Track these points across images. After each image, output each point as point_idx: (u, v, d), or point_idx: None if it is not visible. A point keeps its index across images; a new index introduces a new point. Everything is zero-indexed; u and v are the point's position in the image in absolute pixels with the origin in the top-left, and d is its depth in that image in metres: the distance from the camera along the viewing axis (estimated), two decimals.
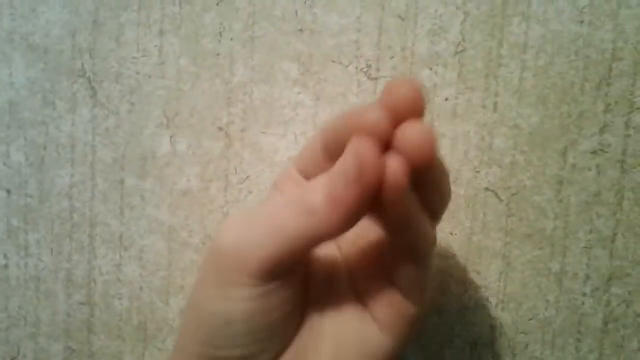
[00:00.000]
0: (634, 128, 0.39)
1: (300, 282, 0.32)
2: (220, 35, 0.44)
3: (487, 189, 0.41)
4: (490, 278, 0.42)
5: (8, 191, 0.49)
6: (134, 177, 0.47)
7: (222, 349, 0.30)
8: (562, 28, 0.40)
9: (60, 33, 0.47)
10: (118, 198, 0.47)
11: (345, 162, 0.26)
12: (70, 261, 0.48)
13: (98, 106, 0.47)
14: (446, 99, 0.41)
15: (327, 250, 0.35)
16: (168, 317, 0.47)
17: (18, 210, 0.49)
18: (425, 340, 0.43)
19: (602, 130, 0.40)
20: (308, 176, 0.33)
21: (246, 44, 0.44)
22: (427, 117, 0.42)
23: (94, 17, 0.46)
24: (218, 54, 0.45)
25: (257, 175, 0.45)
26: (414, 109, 0.27)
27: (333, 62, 0.43)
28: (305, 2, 0.43)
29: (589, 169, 0.40)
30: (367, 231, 0.33)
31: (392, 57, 0.42)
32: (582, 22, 0.40)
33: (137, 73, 0.46)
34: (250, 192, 0.45)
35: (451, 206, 0.38)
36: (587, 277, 0.41)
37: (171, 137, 0.46)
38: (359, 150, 0.26)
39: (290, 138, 0.44)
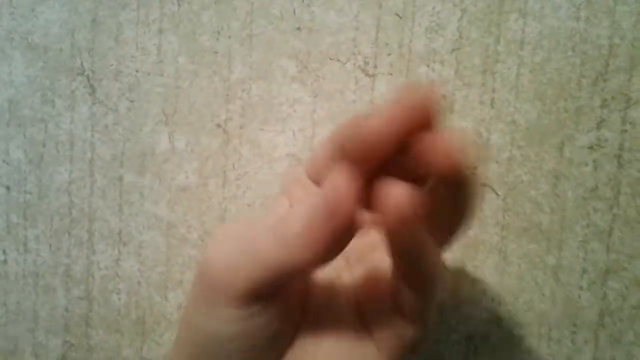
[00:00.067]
0: (630, 123, 0.37)
1: (295, 299, 0.30)
2: (219, 34, 0.42)
3: (484, 184, 0.39)
4: (487, 272, 0.40)
5: (7, 188, 0.46)
6: (133, 173, 0.44)
7: None
8: (559, 24, 0.37)
9: (59, 32, 0.45)
10: (117, 194, 0.45)
11: (320, 198, 0.24)
12: (69, 257, 0.46)
13: (97, 104, 0.44)
14: (443, 96, 0.39)
15: (335, 266, 0.32)
16: (166, 312, 0.45)
17: (17, 206, 0.46)
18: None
19: (598, 126, 0.37)
20: (318, 181, 0.31)
21: (244, 42, 0.42)
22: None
23: (93, 15, 0.44)
24: (216, 52, 0.42)
25: (255, 172, 0.42)
26: (425, 118, 0.24)
27: (331, 59, 0.40)
28: (303, 1, 0.41)
29: (586, 164, 0.38)
30: (375, 248, 0.31)
31: (390, 55, 0.40)
32: (578, 18, 0.37)
33: (136, 71, 0.44)
34: (248, 188, 0.42)
35: None
36: (584, 270, 0.38)
37: (170, 134, 0.43)
38: (334, 187, 0.24)
39: (288, 134, 0.41)
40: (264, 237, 0.26)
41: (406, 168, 0.26)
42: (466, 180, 0.26)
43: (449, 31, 0.39)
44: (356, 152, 0.25)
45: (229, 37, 0.42)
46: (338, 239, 0.25)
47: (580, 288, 0.39)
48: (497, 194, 0.39)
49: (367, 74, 0.40)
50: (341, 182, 0.24)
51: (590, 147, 0.38)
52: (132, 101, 0.44)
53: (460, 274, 0.40)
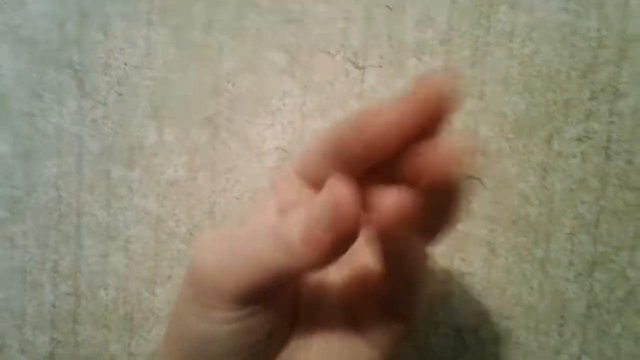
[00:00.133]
0: (618, 115, 0.37)
1: (287, 300, 0.30)
2: (208, 26, 0.42)
3: (472, 176, 0.39)
4: (475, 265, 0.40)
5: None
6: (121, 167, 0.44)
7: None
8: (548, 16, 0.38)
9: (47, 25, 0.44)
10: (105, 188, 0.44)
11: (322, 206, 0.24)
12: (57, 252, 0.45)
13: (85, 97, 0.44)
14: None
15: (326, 269, 0.32)
16: (154, 307, 0.44)
17: (4, 201, 0.46)
18: None
19: (587, 118, 0.38)
20: (309, 180, 0.30)
21: (234, 34, 0.41)
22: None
23: (81, 8, 0.44)
24: (206, 45, 0.42)
25: (244, 165, 0.42)
26: (440, 111, 0.24)
27: (321, 51, 0.40)
28: None
29: (574, 156, 0.38)
30: (364, 252, 0.31)
31: (379, 47, 0.40)
32: (567, 10, 0.37)
33: (125, 64, 0.43)
34: (237, 182, 0.42)
35: None
36: (571, 263, 0.38)
37: (158, 127, 0.43)
38: (336, 196, 0.24)
39: (277, 128, 0.41)
40: (262, 243, 0.26)
41: (398, 169, 0.26)
42: (457, 187, 0.26)
43: (438, 23, 0.39)
44: (363, 147, 0.25)
45: (219, 30, 0.42)
46: (342, 244, 0.25)
47: (568, 280, 0.39)
48: (485, 187, 0.39)
49: (357, 67, 0.40)
50: (343, 188, 0.24)
51: (579, 139, 0.38)
52: (120, 94, 0.43)
53: (448, 267, 0.40)
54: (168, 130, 0.43)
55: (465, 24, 0.38)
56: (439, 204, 0.26)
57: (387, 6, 0.39)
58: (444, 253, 0.40)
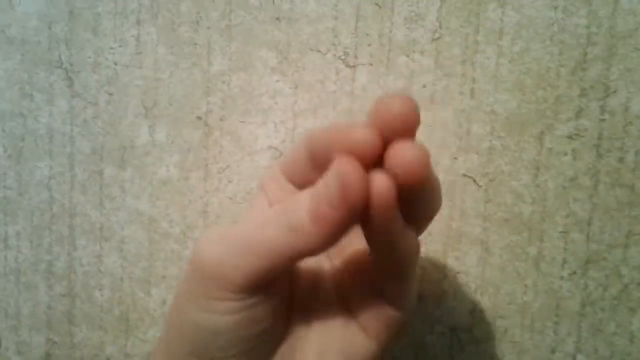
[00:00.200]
0: (609, 112, 0.40)
1: (285, 292, 0.32)
2: (197, 24, 0.45)
3: (464, 175, 0.42)
4: (469, 263, 0.43)
5: None
6: (114, 167, 0.47)
7: (207, 359, 0.30)
8: (537, 14, 0.40)
9: (36, 24, 0.47)
10: (97, 189, 0.47)
11: (330, 182, 0.26)
12: (51, 253, 0.49)
13: (76, 97, 0.47)
14: (424, 86, 0.42)
15: (316, 258, 0.35)
16: (149, 308, 0.47)
17: None
18: None
19: (577, 115, 0.40)
20: (293, 180, 0.33)
21: (223, 33, 0.44)
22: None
23: (71, 7, 0.47)
24: (195, 43, 0.45)
25: (237, 164, 0.45)
26: (406, 127, 0.27)
27: (311, 50, 0.43)
28: None
29: (565, 154, 0.41)
30: (355, 240, 0.33)
31: (370, 45, 0.42)
32: (556, 7, 0.40)
33: (115, 63, 0.46)
34: (230, 181, 0.45)
35: None
36: (565, 261, 0.41)
37: (150, 126, 0.46)
38: (343, 171, 0.25)
39: (269, 126, 0.44)
40: (268, 227, 0.28)
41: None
42: (425, 186, 0.29)
43: (428, 21, 0.42)
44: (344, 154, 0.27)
45: (208, 28, 0.45)
46: (350, 220, 0.26)
47: (562, 278, 0.41)
48: (478, 185, 0.42)
49: (347, 65, 0.43)
50: (350, 164, 0.25)
51: (570, 137, 0.40)
52: (111, 94, 0.46)
53: (442, 266, 0.43)
54: (160, 130, 0.46)
55: (454, 22, 0.41)
56: (415, 198, 0.29)
57: (376, 4, 0.42)
58: (438, 252, 0.43)
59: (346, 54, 0.43)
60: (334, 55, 0.43)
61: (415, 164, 0.26)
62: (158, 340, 0.33)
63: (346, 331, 0.32)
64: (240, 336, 0.29)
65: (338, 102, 0.43)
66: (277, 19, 0.44)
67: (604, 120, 0.40)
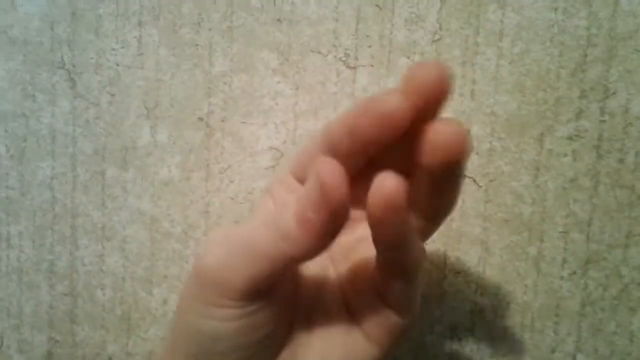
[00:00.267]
0: (609, 113, 0.40)
1: (287, 297, 0.32)
2: (199, 26, 0.44)
3: (465, 175, 0.42)
4: (469, 263, 0.42)
5: None
6: (115, 168, 0.47)
7: None
8: (537, 15, 0.40)
9: (39, 25, 0.47)
10: (99, 189, 0.47)
11: (311, 186, 0.26)
12: (53, 252, 0.48)
13: (78, 98, 0.47)
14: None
15: (320, 264, 0.34)
16: (151, 307, 0.47)
17: (0, 202, 0.49)
18: None
19: (577, 116, 0.40)
20: (303, 179, 0.32)
21: (225, 34, 0.44)
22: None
23: (73, 9, 0.46)
24: (197, 45, 0.45)
25: (238, 165, 0.45)
26: (442, 94, 0.26)
27: (312, 51, 0.43)
28: None
29: (565, 155, 0.40)
30: (359, 246, 0.33)
31: (370, 46, 0.42)
32: (556, 9, 0.40)
33: (117, 64, 0.46)
34: (231, 182, 0.45)
35: None
36: (565, 261, 0.41)
37: (152, 127, 0.46)
38: (322, 173, 0.25)
39: (270, 127, 0.44)
40: (260, 235, 0.28)
41: (392, 161, 0.29)
42: (459, 172, 0.28)
43: (428, 22, 0.41)
44: (371, 129, 0.27)
45: (210, 29, 0.44)
46: (333, 224, 0.26)
47: (562, 278, 0.41)
48: (478, 185, 0.41)
49: (348, 66, 0.43)
50: (328, 166, 0.25)
51: (570, 138, 0.40)
52: (113, 95, 0.46)
53: (443, 266, 0.43)
54: (161, 131, 0.46)
55: (455, 24, 0.41)
56: (434, 191, 0.29)
57: (377, 5, 0.42)
58: (438, 252, 0.43)
59: (347, 55, 0.43)
60: (335, 56, 0.43)
61: (458, 140, 0.26)
62: (164, 343, 0.33)
63: (349, 338, 0.32)
64: (241, 342, 0.29)
65: (339, 103, 0.43)
66: (279, 20, 0.43)
67: (604, 121, 0.40)
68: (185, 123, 0.45)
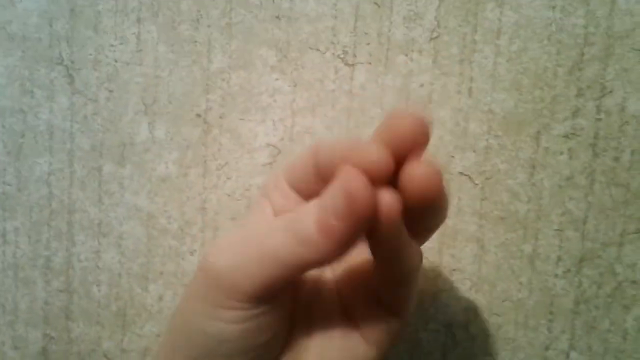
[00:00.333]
0: (605, 112, 0.40)
1: (289, 302, 0.32)
2: (198, 22, 0.44)
3: (461, 173, 0.41)
4: (464, 261, 0.42)
5: None
6: (113, 164, 0.46)
7: None
8: (534, 14, 0.40)
9: (38, 21, 0.47)
10: (96, 185, 0.47)
11: (337, 194, 0.26)
12: (49, 248, 0.48)
13: (76, 94, 0.46)
14: (422, 85, 0.41)
15: (320, 270, 0.35)
16: (147, 303, 0.47)
17: None
18: None
19: (574, 115, 0.40)
20: (297, 188, 0.32)
21: (223, 31, 0.44)
22: (403, 104, 0.42)
23: (72, 5, 0.46)
24: (195, 41, 0.44)
25: (235, 161, 0.44)
26: (417, 145, 0.27)
27: (310, 48, 0.43)
28: None
29: (562, 153, 0.40)
30: (357, 250, 0.33)
31: (369, 44, 0.42)
32: (554, 7, 0.40)
33: (115, 61, 0.46)
34: (228, 178, 0.44)
35: None
36: (559, 259, 0.41)
37: (149, 123, 0.45)
38: (351, 183, 0.25)
39: (268, 124, 0.44)
40: (276, 238, 0.28)
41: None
42: (439, 204, 0.29)
43: (426, 20, 0.41)
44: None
45: (208, 26, 0.44)
46: (357, 231, 0.26)
47: (556, 276, 0.41)
48: (474, 183, 0.41)
49: (346, 63, 0.42)
50: (357, 176, 0.25)
51: (566, 136, 0.40)
52: (111, 91, 0.46)
53: (438, 263, 0.42)
54: (159, 127, 0.45)
55: (453, 22, 0.41)
56: (423, 213, 0.29)
57: (375, 3, 0.42)
58: (433, 249, 0.42)
59: (345, 52, 0.42)
60: (333, 54, 0.43)
61: (428, 184, 0.26)
62: (162, 340, 0.33)
63: (347, 340, 0.32)
64: (245, 345, 0.29)
65: (337, 100, 0.43)
66: (277, 17, 0.43)
67: (600, 119, 0.40)
68: (183, 119, 0.45)
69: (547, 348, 0.42)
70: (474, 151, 0.41)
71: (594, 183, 0.40)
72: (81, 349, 0.48)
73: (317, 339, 0.32)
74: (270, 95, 0.44)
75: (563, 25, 0.40)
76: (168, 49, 0.45)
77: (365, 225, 0.26)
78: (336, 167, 0.27)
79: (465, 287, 0.42)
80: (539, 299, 0.41)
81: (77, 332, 0.48)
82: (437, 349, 0.43)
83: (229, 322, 0.28)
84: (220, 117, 0.44)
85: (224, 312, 0.28)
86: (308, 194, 0.30)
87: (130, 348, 0.47)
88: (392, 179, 0.27)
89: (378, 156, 0.26)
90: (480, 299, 0.42)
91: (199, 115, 0.45)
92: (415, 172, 0.26)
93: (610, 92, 0.39)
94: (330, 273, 0.35)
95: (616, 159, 0.40)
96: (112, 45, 0.46)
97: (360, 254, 0.33)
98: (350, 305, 0.33)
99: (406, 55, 0.42)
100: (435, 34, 0.41)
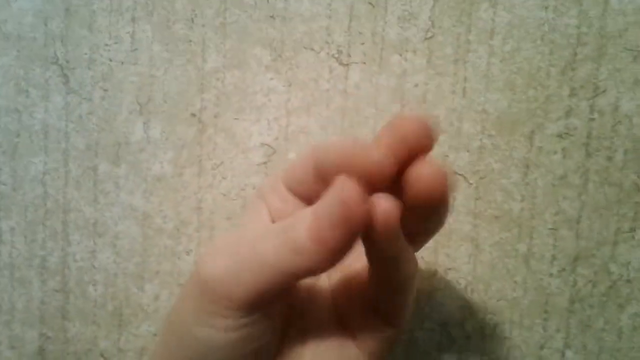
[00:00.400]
0: (598, 112, 0.40)
1: (283, 309, 0.32)
2: (192, 22, 0.45)
3: (455, 172, 0.42)
4: (459, 260, 0.43)
5: None
6: (108, 163, 0.47)
7: None
8: (528, 14, 0.41)
9: (32, 21, 0.47)
10: (92, 185, 0.47)
11: (331, 203, 0.26)
12: (45, 248, 0.49)
13: (71, 93, 0.47)
14: (416, 85, 0.42)
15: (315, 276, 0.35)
16: (143, 303, 0.47)
17: None
18: None
19: (567, 114, 0.41)
20: (295, 191, 0.32)
21: (218, 30, 0.45)
22: (398, 105, 0.42)
23: (67, 4, 0.47)
24: (190, 40, 0.45)
25: (230, 161, 0.45)
26: (422, 148, 0.27)
27: (305, 48, 0.43)
28: None
29: (555, 152, 0.41)
30: (353, 257, 0.33)
31: (363, 43, 0.43)
32: (547, 8, 0.40)
33: (110, 60, 0.46)
34: (224, 178, 0.45)
35: None
36: (554, 258, 0.42)
37: (144, 123, 0.46)
38: (345, 193, 0.25)
39: (263, 123, 0.44)
40: (269, 246, 0.28)
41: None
42: (443, 206, 0.29)
43: (421, 20, 0.42)
44: (357, 176, 0.27)
45: (203, 26, 0.45)
46: (350, 240, 0.26)
47: (551, 275, 0.42)
48: (468, 183, 0.42)
49: (340, 63, 0.43)
50: (351, 185, 0.25)
51: (559, 136, 0.41)
52: (105, 90, 0.46)
53: (433, 263, 0.43)
54: (154, 126, 0.46)
55: (447, 22, 0.42)
56: (425, 215, 0.30)
57: (370, 3, 0.42)
58: (429, 248, 0.43)
59: (339, 52, 0.43)
60: (328, 53, 0.43)
61: (435, 184, 0.27)
62: (158, 340, 0.33)
63: (342, 349, 0.32)
64: (238, 353, 0.29)
65: (331, 100, 0.43)
66: (272, 17, 0.44)
67: (593, 119, 0.40)
68: (178, 119, 0.45)
69: (542, 347, 0.42)
70: (468, 151, 0.42)
71: (587, 182, 0.41)
72: (78, 348, 0.49)
73: (311, 348, 0.32)
74: (265, 95, 0.44)
75: (556, 26, 0.40)
76: (163, 48, 0.45)
77: (359, 234, 0.26)
78: (337, 168, 0.27)
79: (460, 286, 0.43)
80: (533, 298, 0.42)
81: (73, 332, 0.49)
82: (432, 347, 0.44)
83: (220, 330, 0.29)
84: (215, 117, 0.45)
85: (215, 319, 0.29)
86: (307, 196, 0.31)
87: (127, 347, 0.48)
88: (393, 184, 0.28)
89: (379, 157, 0.27)
90: (475, 298, 0.43)
91: (193, 115, 0.45)
92: (422, 172, 0.27)
93: (604, 91, 0.40)
94: (326, 281, 0.35)
95: (609, 159, 0.40)
96: (106, 45, 0.46)
97: (357, 263, 0.33)
98: (345, 314, 0.33)
99: (400, 55, 0.42)
100: (429, 34, 0.42)
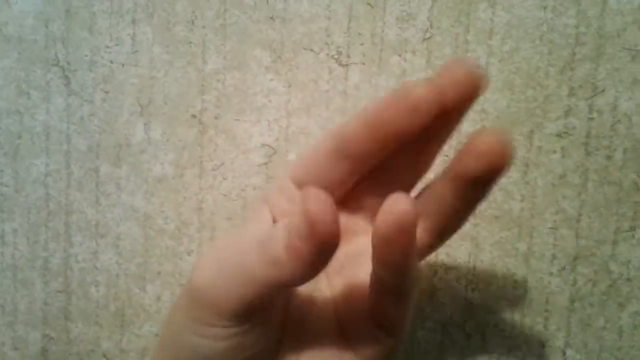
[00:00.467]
0: (597, 111, 0.41)
1: (278, 317, 0.33)
2: (193, 23, 0.45)
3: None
4: (459, 259, 0.43)
5: None
6: (109, 165, 0.48)
7: None
8: (526, 14, 0.41)
9: (33, 23, 0.48)
10: (93, 186, 0.48)
11: (299, 215, 0.25)
12: (47, 249, 0.49)
13: (72, 95, 0.48)
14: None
15: (314, 283, 0.35)
16: (145, 304, 0.48)
17: None
18: None
19: (566, 114, 0.41)
20: (312, 184, 0.30)
21: (218, 32, 0.45)
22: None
23: (67, 6, 0.47)
24: (190, 42, 0.46)
25: (231, 162, 0.46)
26: (468, 93, 0.27)
27: (304, 49, 0.44)
28: None
29: (554, 152, 0.42)
30: (356, 259, 0.34)
31: (362, 44, 0.43)
32: (546, 8, 0.41)
33: (111, 62, 0.47)
34: (224, 179, 0.46)
35: None
36: (554, 257, 0.42)
37: (145, 124, 0.47)
38: (311, 206, 0.24)
39: (263, 124, 0.45)
40: (251, 256, 0.27)
41: (397, 172, 0.30)
42: (493, 182, 0.29)
43: (419, 21, 0.42)
44: (395, 121, 0.27)
45: (203, 27, 0.45)
46: (322, 254, 0.25)
47: (551, 274, 0.42)
48: None
49: (340, 64, 0.44)
50: (318, 198, 0.25)
51: (559, 135, 0.41)
52: (106, 92, 0.47)
53: (433, 262, 0.43)
54: (155, 128, 0.47)
55: (445, 22, 0.42)
56: (460, 200, 0.30)
57: (369, 3, 0.43)
58: None
59: (339, 53, 0.44)
60: (327, 54, 0.44)
61: (502, 149, 0.27)
62: (157, 344, 0.34)
63: (338, 357, 0.32)
64: None
65: (331, 101, 0.44)
66: (271, 18, 0.44)
67: (592, 119, 0.41)
68: (179, 120, 0.46)
69: (542, 346, 0.43)
70: None
71: (587, 181, 0.41)
72: (80, 349, 0.50)
73: (308, 356, 0.32)
74: (265, 96, 0.45)
75: (554, 25, 0.41)
76: (163, 50, 0.46)
77: (333, 249, 0.25)
78: (364, 143, 0.28)
79: (460, 286, 0.44)
80: (534, 297, 0.43)
81: (76, 333, 0.50)
82: (433, 347, 0.44)
83: (212, 339, 0.29)
84: (216, 118, 0.46)
85: (206, 328, 0.29)
86: (324, 186, 0.29)
87: (129, 348, 0.49)
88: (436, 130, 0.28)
89: (426, 93, 0.26)
90: (475, 298, 0.43)
91: (194, 116, 0.46)
92: (487, 137, 0.27)
93: (602, 91, 0.41)
94: (327, 283, 0.35)
95: (609, 158, 0.41)
96: (107, 47, 0.47)
97: (360, 271, 0.33)
98: (345, 322, 0.33)
99: (399, 55, 0.43)
100: (428, 35, 0.42)
